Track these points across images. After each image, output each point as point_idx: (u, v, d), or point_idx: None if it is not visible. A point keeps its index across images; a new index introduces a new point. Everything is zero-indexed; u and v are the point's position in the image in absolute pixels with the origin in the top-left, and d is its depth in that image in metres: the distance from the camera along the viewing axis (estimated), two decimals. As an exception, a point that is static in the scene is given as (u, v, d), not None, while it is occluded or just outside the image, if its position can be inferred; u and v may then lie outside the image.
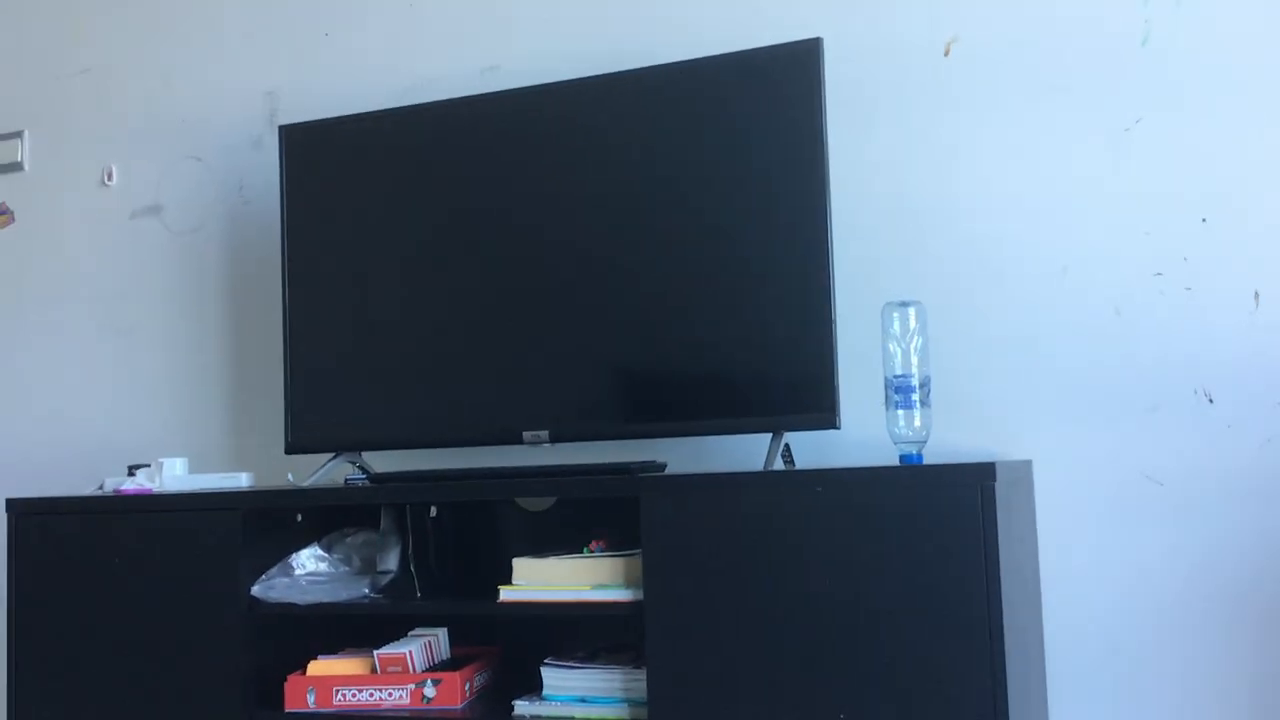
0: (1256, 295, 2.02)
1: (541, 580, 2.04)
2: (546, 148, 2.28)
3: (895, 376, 1.98)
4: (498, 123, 2.32)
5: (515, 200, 2.30)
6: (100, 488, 2.43)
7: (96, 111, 2.92)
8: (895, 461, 1.96)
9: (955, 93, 2.22)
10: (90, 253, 2.90)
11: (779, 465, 2.08)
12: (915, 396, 1.97)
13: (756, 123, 2.13)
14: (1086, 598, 2.07)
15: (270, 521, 2.23)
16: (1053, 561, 2.09)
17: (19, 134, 3.00)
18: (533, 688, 2.06)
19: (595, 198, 2.24)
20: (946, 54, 2.23)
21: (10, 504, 2.37)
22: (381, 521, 2.27)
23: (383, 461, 2.45)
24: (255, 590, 2.17)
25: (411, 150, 2.38)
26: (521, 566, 2.06)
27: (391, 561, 2.24)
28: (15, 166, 2.99)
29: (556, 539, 2.20)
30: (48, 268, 2.95)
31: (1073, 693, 2.07)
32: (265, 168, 2.69)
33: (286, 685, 2.15)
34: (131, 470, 2.43)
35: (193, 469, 2.48)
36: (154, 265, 2.84)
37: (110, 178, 2.90)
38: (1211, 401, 2.03)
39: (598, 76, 2.27)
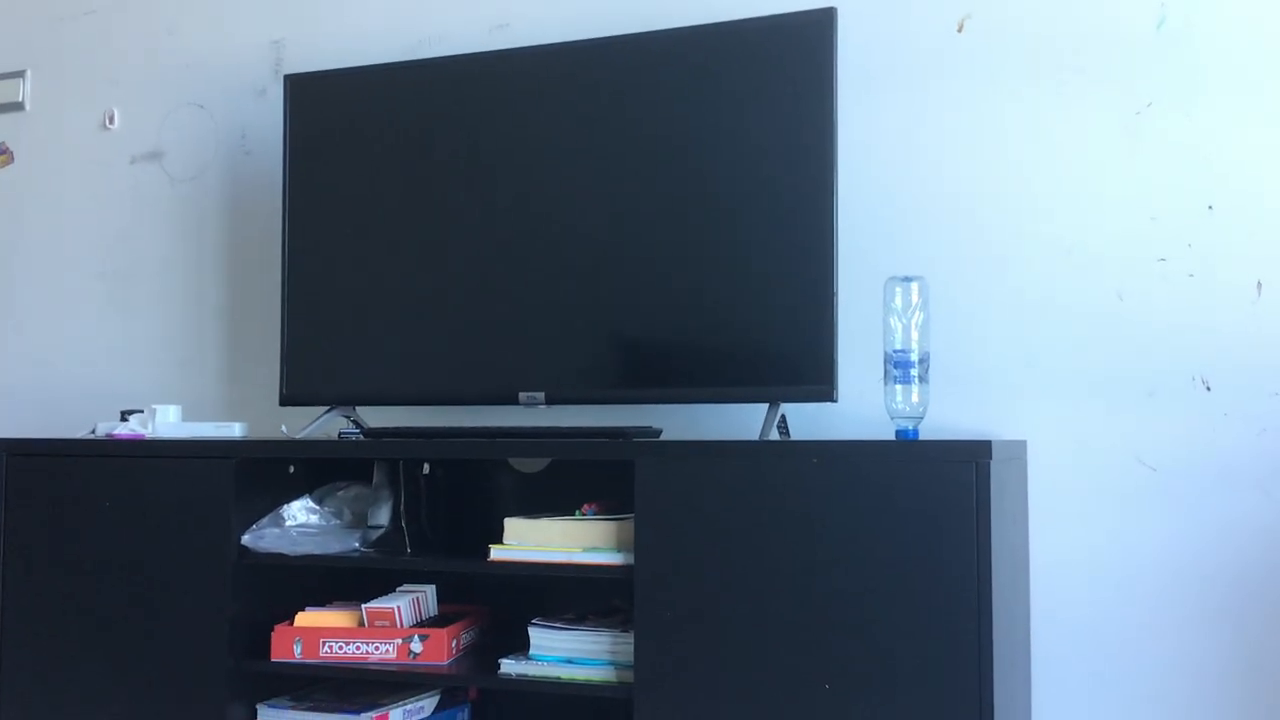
0: (1259, 285, 2.02)
1: (532, 541, 2.04)
2: (552, 109, 2.27)
3: (895, 351, 1.97)
4: (505, 81, 2.31)
5: (519, 160, 2.28)
6: (92, 432, 2.42)
7: (100, 54, 2.90)
8: (891, 437, 1.96)
9: (967, 69, 2.20)
10: (89, 196, 2.89)
11: (774, 436, 2.08)
12: (914, 372, 1.96)
13: (766, 91, 2.12)
14: (1075, 579, 2.08)
15: (263, 472, 2.22)
16: (1043, 542, 2.09)
17: (21, 74, 2.97)
18: (520, 647, 2.06)
19: (600, 161, 2.23)
20: (960, 30, 2.21)
21: (1, 444, 2.36)
22: (374, 476, 2.27)
23: (377, 417, 2.44)
24: (245, 540, 2.17)
25: (417, 105, 2.37)
26: (513, 526, 2.06)
27: (383, 517, 2.24)
28: (16, 106, 2.97)
29: (549, 502, 2.20)
30: (46, 209, 2.93)
31: (1057, 673, 2.07)
32: (268, 118, 2.67)
33: (273, 635, 2.16)
34: (124, 415, 2.42)
35: (186, 417, 2.47)
36: (153, 211, 2.82)
37: (112, 121, 2.88)
38: (1209, 389, 2.03)
39: (605, 38, 2.25)
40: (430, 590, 2.23)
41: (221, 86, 2.77)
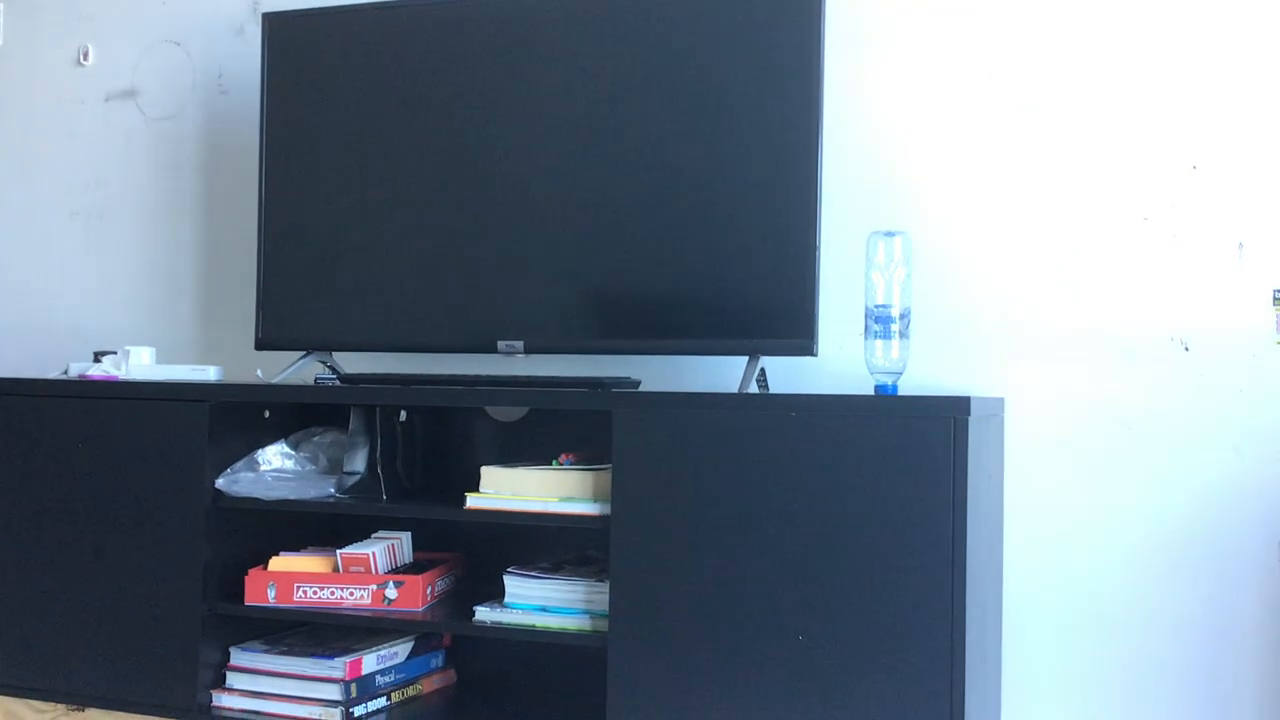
0: (1240, 245, 2.01)
1: (509, 490, 2.04)
2: (534, 55, 2.23)
3: (876, 306, 1.97)
4: (487, 26, 2.27)
5: (500, 106, 2.25)
6: (65, 372, 2.40)
7: (74, -12, 2.85)
8: (870, 392, 1.96)
9: (954, 23, 2.18)
10: (63, 133, 2.84)
11: (753, 389, 2.07)
12: (894, 327, 1.96)
13: (752, 41, 2.09)
14: (1050, 536, 2.09)
15: (238, 416, 2.21)
16: (1019, 499, 2.10)
17: (-7, 6, 2.92)
18: (495, 595, 2.06)
19: (583, 108, 2.20)
20: (949, -18, 2.19)
21: (-27, 384, 2.34)
22: (350, 422, 2.25)
23: (354, 363, 2.42)
24: (220, 483, 2.16)
25: (398, 48, 2.33)
26: (489, 475, 2.05)
27: (358, 463, 2.23)
28: (-12, 40, 2.92)
29: (526, 451, 2.19)
30: (19, 147, 2.88)
31: (1029, 628, 2.09)
32: (246, 57, 2.62)
33: (247, 579, 2.15)
34: (98, 356, 2.40)
35: (160, 359, 2.45)
36: (128, 150, 2.78)
37: (86, 58, 2.82)
38: (1188, 349, 2.04)
39: (593, -17, 2.22)
40: (406, 537, 2.22)
41: (198, 24, 2.72)
